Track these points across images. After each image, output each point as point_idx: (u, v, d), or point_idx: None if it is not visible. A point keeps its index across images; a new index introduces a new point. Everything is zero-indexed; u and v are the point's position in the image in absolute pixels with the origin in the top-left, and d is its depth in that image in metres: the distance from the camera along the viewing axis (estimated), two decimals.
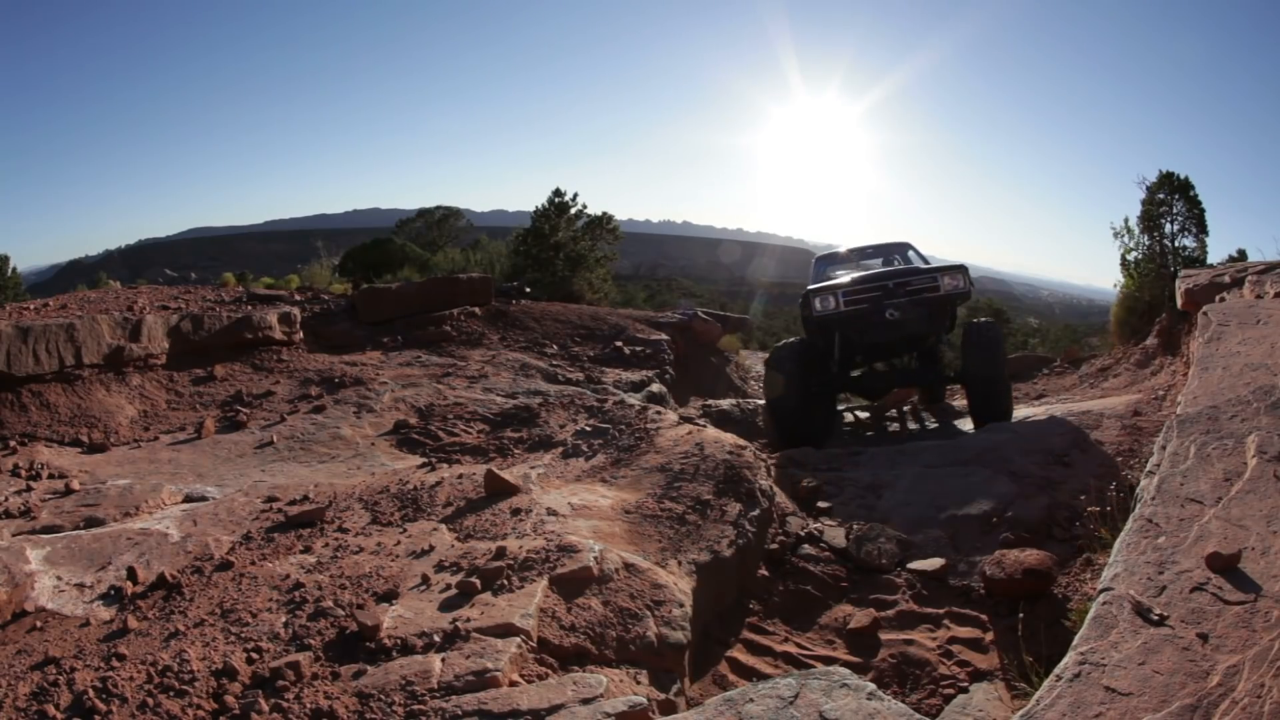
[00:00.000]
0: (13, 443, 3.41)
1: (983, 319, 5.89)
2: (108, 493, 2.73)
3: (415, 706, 1.46)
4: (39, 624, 1.82)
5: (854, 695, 1.33)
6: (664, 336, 6.18)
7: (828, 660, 1.83)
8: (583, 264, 9.75)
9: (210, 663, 1.60)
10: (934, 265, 5.49)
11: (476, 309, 6.21)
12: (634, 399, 4.41)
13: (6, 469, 3.04)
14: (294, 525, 2.41)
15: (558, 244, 9.67)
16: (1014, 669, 1.85)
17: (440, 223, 14.05)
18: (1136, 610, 1.42)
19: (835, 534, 2.72)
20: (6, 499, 2.65)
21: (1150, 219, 7.61)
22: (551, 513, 2.39)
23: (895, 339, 5.41)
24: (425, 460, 3.30)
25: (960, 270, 5.18)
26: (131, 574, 1.97)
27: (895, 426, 6.04)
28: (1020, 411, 5.07)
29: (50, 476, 2.98)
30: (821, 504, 2.99)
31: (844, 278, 5.45)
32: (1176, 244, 7.52)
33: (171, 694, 1.51)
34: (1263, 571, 1.47)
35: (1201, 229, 7.49)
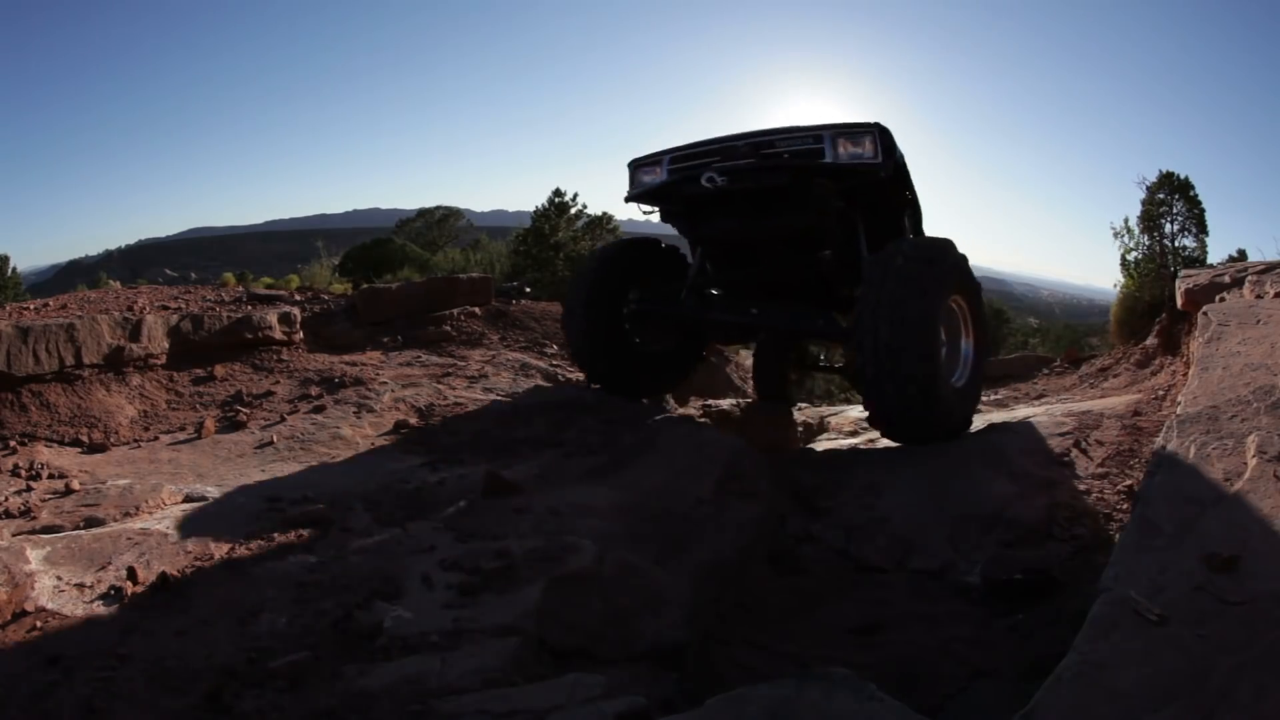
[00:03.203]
0: (13, 443, 3.41)
1: (923, 239, 3.60)
2: (108, 493, 2.73)
3: (416, 706, 1.46)
4: (39, 624, 1.82)
5: (854, 695, 1.33)
6: None
7: (828, 660, 1.83)
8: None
9: (211, 662, 1.61)
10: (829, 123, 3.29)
11: (476, 309, 6.21)
12: None
13: (6, 469, 3.04)
14: (295, 525, 2.41)
15: (558, 244, 9.68)
16: (1014, 669, 1.85)
17: (440, 223, 14.09)
18: (1136, 610, 1.42)
19: (835, 534, 2.72)
20: (6, 499, 2.65)
21: (1150, 219, 7.63)
22: (552, 512, 2.39)
23: (742, 231, 3.47)
24: (426, 460, 3.30)
25: (868, 132, 3.15)
26: (132, 574, 1.97)
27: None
28: (1020, 411, 4.99)
29: (50, 476, 2.98)
30: (822, 503, 2.99)
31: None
32: (1176, 244, 7.54)
33: (173, 694, 1.51)
34: (1263, 571, 1.47)
35: (1201, 229, 7.51)
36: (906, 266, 3.09)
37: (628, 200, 3.77)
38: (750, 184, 3.32)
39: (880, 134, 3.24)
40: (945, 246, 3.41)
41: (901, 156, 3.43)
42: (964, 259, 3.52)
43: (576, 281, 3.92)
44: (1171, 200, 7.58)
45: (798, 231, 3.49)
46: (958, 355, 3.66)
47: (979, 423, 4.48)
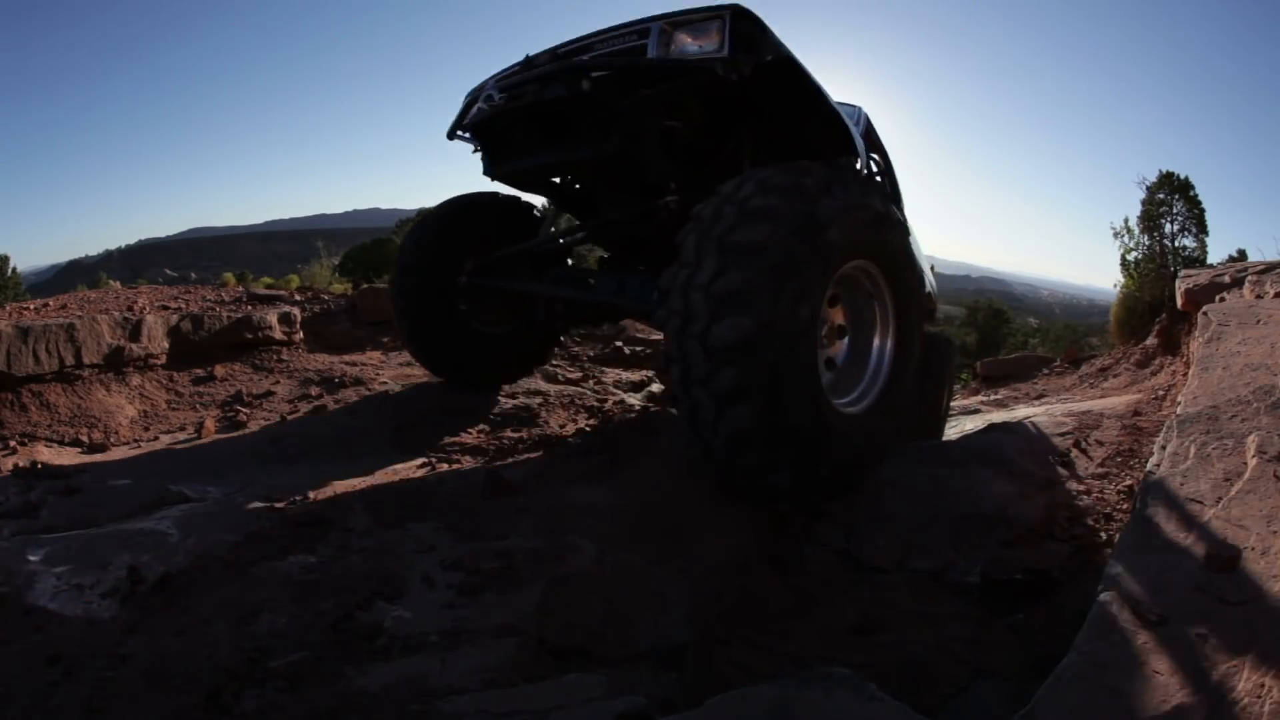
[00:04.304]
0: (13, 443, 3.41)
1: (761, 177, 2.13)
2: (108, 493, 2.73)
3: (416, 706, 1.46)
4: (40, 624, 1.82)
5: (854, 695, 1.33)
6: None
7: (828, 660, 1.83)
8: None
9: (211, 662, 1.61)
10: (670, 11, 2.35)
11: None
12: (634, 399, 4.41)
13: (6, 469, 3.04)
14: (295, 525, 2.41)
15: None
16: (1014, 669, 1.85)
17: None
18: (1136, 610, 1.42)
19: (835, 534, 2.72)
20: (7, 499, 2.65)
21: (1150, 219, 7.66)
22: (552, 512, 2.39)
23: (537, 169, 2.80)
24: (426, 460, 3.30)
25: (716, 18, 2.21)
26: (132, 573, 1.97)
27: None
28: (1020, 411, 4.97)
29: (50, 476, 2.98)
30: (822, 504, 2.99)
31: None
32: (1176, 244, 7.57)
33: (173, 694, 1.51)
34: (1263, 571, 1.47)
35: (1201, 229, 7.54)
36: (751, 209, 1.92)
37: (450, 136, 3.02)
38: (531, 98, 2.46)
39: (735, 19, 2.20)
40: (842, 171, 2.18)
41: (789, 61, 2.31)
42: (881, 196, 2.30)
43: (400, 249, 3.36)
44: (1171, 200, 7.61)
45: (612, 166, 2.55)
46: (863, 361, 2.52)
47: (978, 423, 4.48)
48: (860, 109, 3.78)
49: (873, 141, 3.87)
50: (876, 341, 2.55)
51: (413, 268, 3.34)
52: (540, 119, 2.56)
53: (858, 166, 2.80)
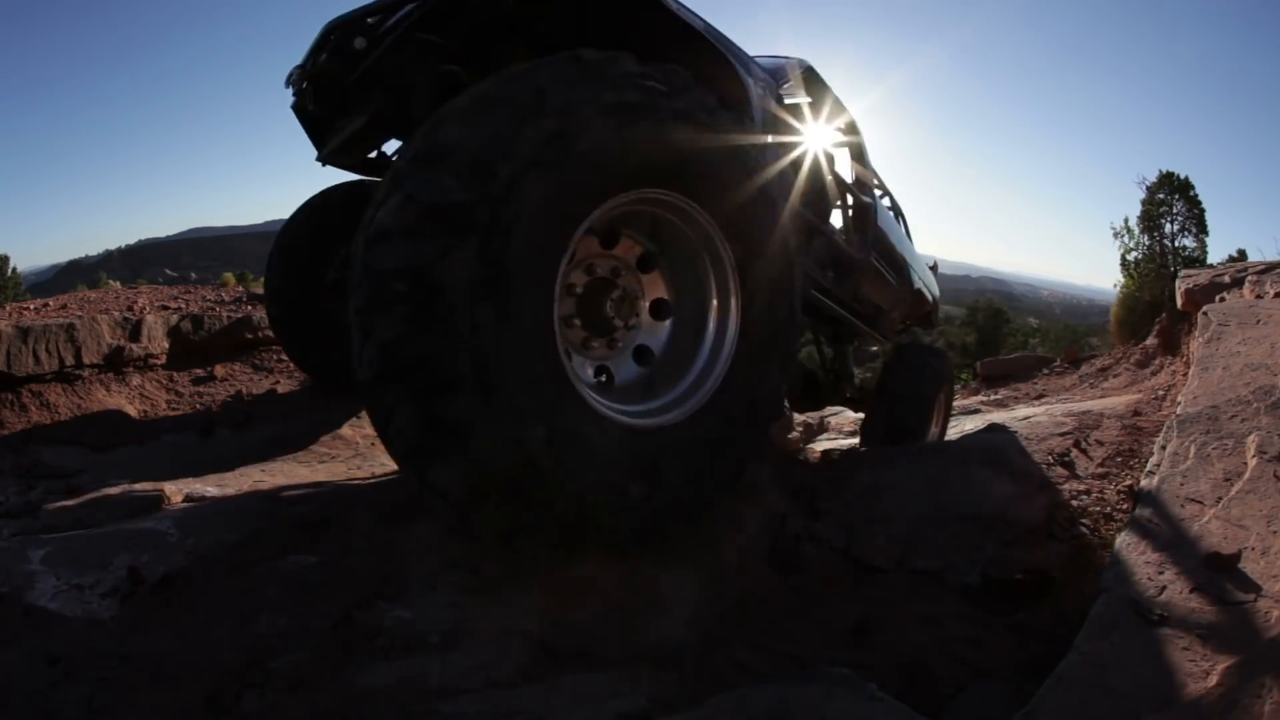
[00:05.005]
0: (13, 442, 3.41)
1: None
2: (108, 493, 2.73)
3: (416, 707, 1.46)
4: (40, 624, 1.82)
5: (854, 695, 1.33)
6: None
7: (828, 660, 1.83)
8: None
9: (211, 663, 1.61)
10: None
11: None
12: None
13: (6, 469, 3.04)
14: (295, 525, 2.41)
15: None
16: (1014, 669, 1.85)
17: None
18: (1136, 610, 1.42)
19: (835, 533, 2.72)
20: (7, 499, 2.65)
21: (1150, 219, 7.68)
22: None
23: (341, 154, 2.48)
24: None
25: None
26: (132, 574, 1.97)
27: None
28: (1020, 411, 4.97)
29: (50, 476, 2.98)
30: (822, 504, 2.99)
31: None
32: (1176, 244, 7.59)
33: (173, 694, 1.51)
34: (1263, 571, 1.48)
35: (1201, 229, 7.56)
36: (464, 113, 1.39)
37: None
38: (309, 68, 2.25)
39: None
40: (612, 60, 1.53)
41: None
42: (702, 97, 1.67)
43: (271, 250, 3.16)
44: (1171, 200, 7.63)
45: (399, 130, 2.25)
46: (689, 343, 1.86)
47: (978, 423, 4.48)
48: (798, 60, 3.08)
49: (816, 100, 3.14)
50: (714, 314, 1.83)
51: (279, 268, 3.18)
52: (325, 91, 2.24)
53: (752, 116, 2.18)
